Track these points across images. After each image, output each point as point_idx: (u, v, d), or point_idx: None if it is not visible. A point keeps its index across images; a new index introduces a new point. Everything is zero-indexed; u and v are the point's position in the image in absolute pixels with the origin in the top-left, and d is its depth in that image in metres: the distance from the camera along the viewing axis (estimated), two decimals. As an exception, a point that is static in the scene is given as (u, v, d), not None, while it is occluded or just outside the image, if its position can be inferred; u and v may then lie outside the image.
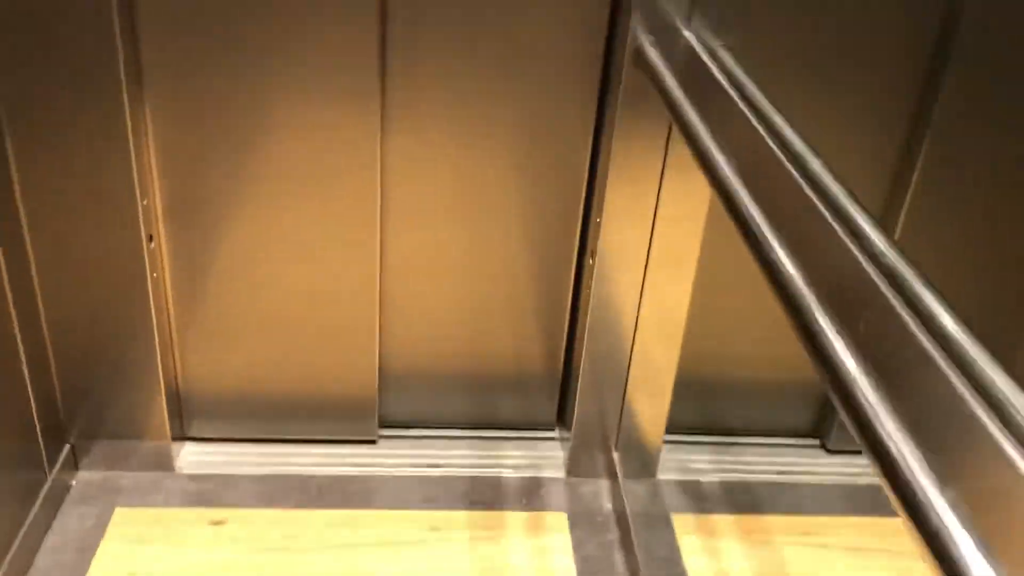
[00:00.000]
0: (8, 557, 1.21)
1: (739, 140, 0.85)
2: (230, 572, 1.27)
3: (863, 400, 0.57)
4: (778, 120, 0.83)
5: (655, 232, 1.26)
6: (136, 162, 1.20)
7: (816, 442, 1.58)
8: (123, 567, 1.27)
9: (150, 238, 1.28)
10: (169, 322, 1.38)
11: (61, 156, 1.18)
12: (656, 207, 1.24)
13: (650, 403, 1.42)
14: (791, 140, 0.79)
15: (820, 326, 0.67)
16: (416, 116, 1.26)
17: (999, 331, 1.44)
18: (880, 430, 0.54)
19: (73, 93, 1.14)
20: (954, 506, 0.48)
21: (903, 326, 0.56)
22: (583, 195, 1.33)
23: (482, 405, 1.55)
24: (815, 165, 0.75)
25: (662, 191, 1.23)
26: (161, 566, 1.27)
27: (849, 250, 0.65)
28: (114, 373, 1.36)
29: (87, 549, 1.29)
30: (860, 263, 0.63)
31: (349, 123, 1.24)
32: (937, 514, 0.48)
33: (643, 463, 1.48)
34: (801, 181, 0.73)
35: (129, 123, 1.17)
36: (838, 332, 0.66)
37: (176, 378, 1.44)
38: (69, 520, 1.34)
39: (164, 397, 1.38)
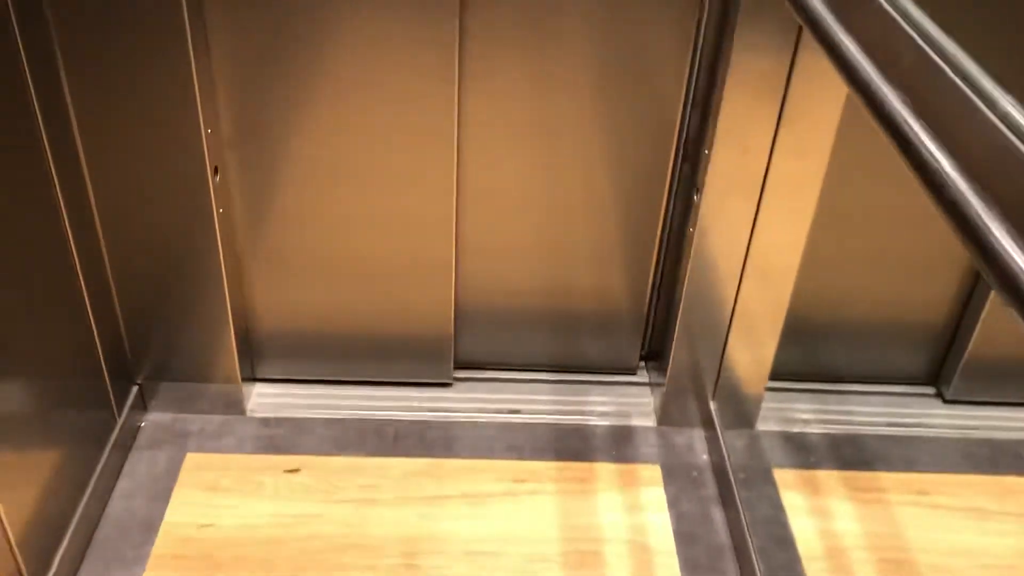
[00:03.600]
0: (84, 500, 1.16)
1: (881, 37, 0.70)
2: (307, 525, 1.21)
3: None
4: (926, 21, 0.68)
5: (772, 163, 1.12)
6: (199, 89, 1.09)
7: (932, 390, 1.46)
8: (196, 516, 1.21)
9: (215, 170, 1.18)
10: (237, 259, 1.29)
11: (118, 85, 1.08)
12: (776, 134, 1.10)
13: (754, 350, 1.30)
14: (941, 41, 0.65)
15: (985, 226, 0.53)
16: (494, 35, 1.13)
17: None
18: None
19: (129, 15, 1.03)
20: None
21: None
22: (677, 123, 1.20)
23: (562, 347, 1.45)
24: (964, 60, 0.61)
25: (784, 115, 1.09)
26: (235, 517, 1.21)
27: (1011, 143, 0.52)
28: (181, 313, 1.28)
29: (159, 496, 1.23)
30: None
31: (424, 46, 1.11)
32: None
33: (742, 413, 1.38)
34: (955, 79, 0.59)
35: (191, 46, 1.06)
36: (1007, 232, 0.52)
37: (246, 318, 1.36)
38: (140, 464, 1.28)
39: (234, 337, 1.30)
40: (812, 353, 1.43)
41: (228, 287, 1.26)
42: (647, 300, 1.39)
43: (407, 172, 1.22)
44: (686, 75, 1.16)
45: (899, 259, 1.34)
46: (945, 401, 1.44)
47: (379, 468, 1.29)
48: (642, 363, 1.50)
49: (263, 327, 1.37)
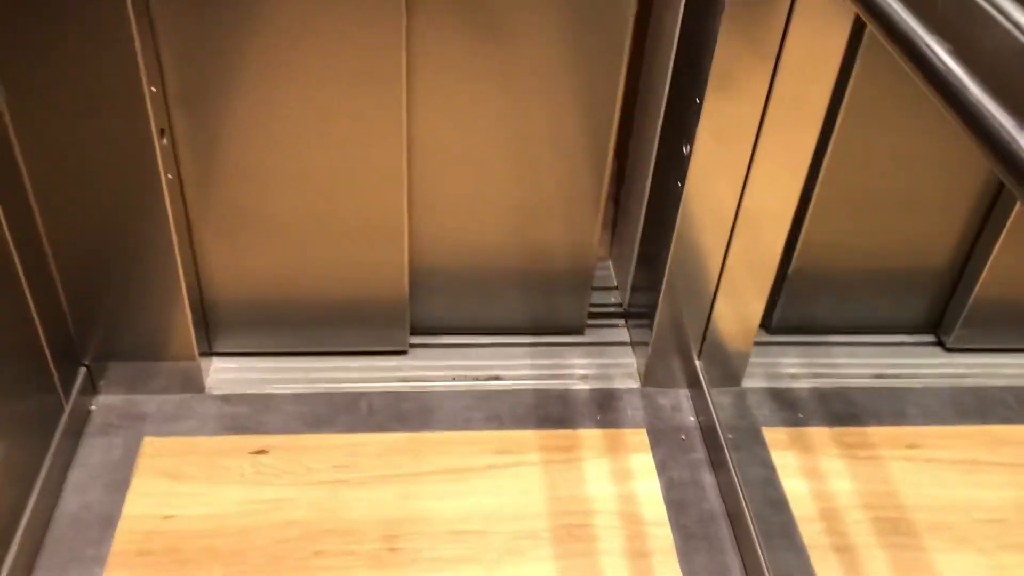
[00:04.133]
0: (33, 496, 1.06)
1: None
2: (279, 511, 1.13)
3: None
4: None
5: (768, 112, 1.05)
6: (139, 42, 0.98)
7: (932, 338, 1.42)
8: (158, 507, 1.13)
9: (162, 132, 1.07)
10: (188, 227, 1.19)
11: (47, 37, 0.96)
12: (772, 80, 1.03)
13: (742, 306, 1.25)
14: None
15: (1004, 130, 0.48)
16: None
17: None
18: None
19: (54, -45, 0.91)
20: None
21: None
22: (623, 65, 1.12)
23: (522, 308, 1.37)
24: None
25: (781, 59, 1.01)
26: (201, 506, 1.13)
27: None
28: (129, 287, 1.17)
29: (116, 487, 1.14)
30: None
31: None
32: None
33: (729, 371, 1.33)
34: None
35: (127, -7, 0.94)
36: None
37: (199, 289, 1.26)
38: (93, 453, 1.19)
39: (188, 310, 1.21)
40: (798, 303, 1.39)
41: (180, 257, 1.16)
42: (593, 257, 1.32)
43: (356, 122, 1.11)
44: (678, 23, 1.08)
45: (900, 202, 1.28)
46: (946, 349, 1.41)
47: (353, 445, 1.22)
48: (622, 321, 1.44)
49: (217, 298, 1.27)
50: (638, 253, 1.38)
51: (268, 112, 1.10)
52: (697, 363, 1.30)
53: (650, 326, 1.30)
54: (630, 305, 1.44)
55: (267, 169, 1.15)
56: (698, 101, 1.06)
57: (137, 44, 0.98)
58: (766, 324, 1.41)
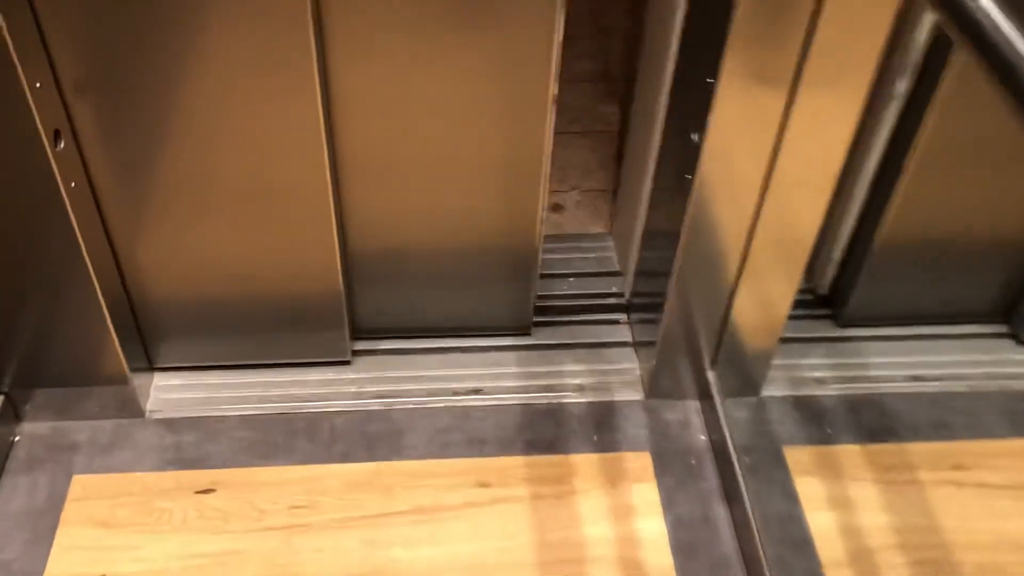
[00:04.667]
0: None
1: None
2: (226, 567, 0.98)
3: None
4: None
5: (797, 95, 0.85)
6: (7, 26, 0.78)
7: (1004, 328, 1.23)
8: (87, 564, 0.98)
9: (57, 135, 0.88)
10: (108, 235, 1.01)
11: None
12: (803, 56, 0.82)
13: (767, 307, 1.06)
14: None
15: None
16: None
17: None
18: None
19: None
20: None
21: None
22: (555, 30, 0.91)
23: (463, 304, 1.19)
24: None
25: (817, 32, 0.80)
26: (136, 561, 0.98)
27: None
28: (43, 308, 1.00)
29: (39, 539, 1.00)
30: None
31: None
32: None
33: (747, 377, 1.15)
34: None
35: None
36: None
37: (130, 301, 1.08)
38: (14, 496, 1.04)
39: (111, 327, 1.03)
40: (887, 289, 1.19)
41: (94, 270, 0.98)
42: (536, 245, 1.13)
43: (273, 127, 0.93)
44: None
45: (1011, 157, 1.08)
46: (1020, 342, 1.22)
47: (311, 480, 1.06)
48: (624, 315, 1.26)
49: (150, 308, 1.10)
50: (643, 230, 1.18)
51: (179, 104, 0.91)
52: (709, 371, 1.13)
53: (656, 322, 1.12)
54: (634, 295, 1.26)
55: (187, 173, 0.96)
56: (710, 81, 0.85)
57: (4, 31, 0.78)
58: (836, 315, 1.23)
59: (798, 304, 1.11)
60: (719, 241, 1.00)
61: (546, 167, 1.04)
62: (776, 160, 0.91)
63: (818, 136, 0.89)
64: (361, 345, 1.20)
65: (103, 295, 1.00)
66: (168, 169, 0.96)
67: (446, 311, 1.19)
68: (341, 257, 1.07)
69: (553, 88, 0.96)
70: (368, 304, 1.17)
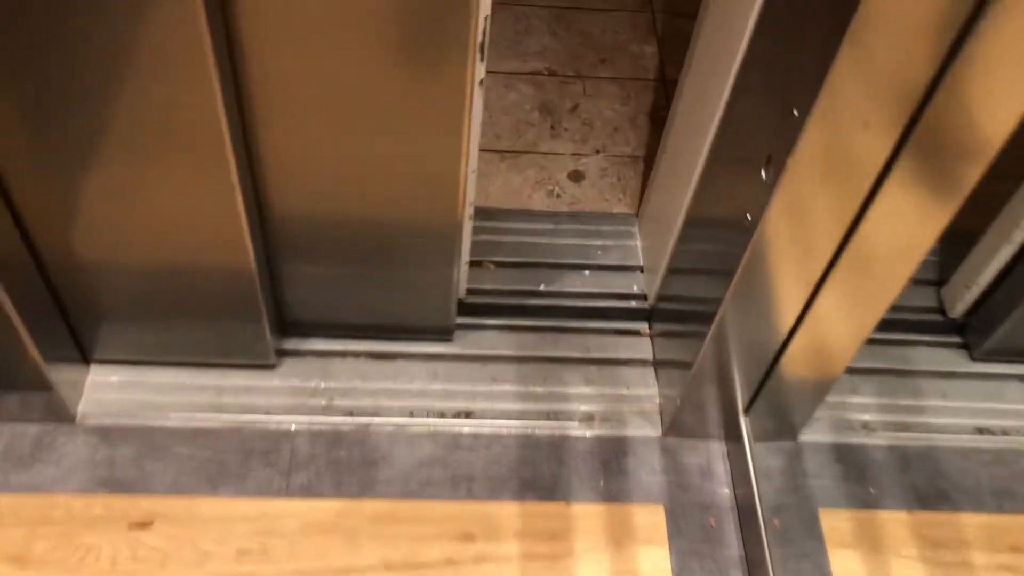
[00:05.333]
0: None
1: None
2: (158, 626, 0.84)
3: None
4: None
5: (923, 117, 0.64)
6: None
7: None
8: (-4, 610, 0.84)
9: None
10: (10, 203, 0.81)
11: None
12: (944, 66, 0.61)
13: (835, 342, 0.87)
14: None
15: None
16: None
17: None
18: None
19: None
20: None
21: None
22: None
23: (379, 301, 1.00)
24: None
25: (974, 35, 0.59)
26: (53, 613, 0.84)
27: None
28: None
29: (-59, 574, 0.85)
30: None
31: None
32: None
33: (786, 418, 0.99)
34: None
35: None
36: None
37: (48, 285, 0.89)
38: (-84, 513, 0.88)
39: (15, 315, 0.83)
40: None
41: None
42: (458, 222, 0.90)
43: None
44: None
45: None
46: None
47: (265, 518, 0.91)
48: (644, 324, 1.08)
49: (76, 289, 0.91)
50: (687, 215, 0.96)
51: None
52: (742, 416, 0.96)
53: (689, 337, 0.94)
54: (660, 298, 1.07)
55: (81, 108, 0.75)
56: (796, 113, 0.64)
57: None
58: (970, 344, 1.06)
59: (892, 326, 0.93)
60: (798, 247, 0.79)
61: (468, 124, 0.80)
62: (873, 201, 0.71)
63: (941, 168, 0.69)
64: (309, 344, 1.02)
65: (8, 278, 0.81)
66: (61, 117, 0.75)
67: (376, 306, 1.00)
68: (250, 226, 0.85)
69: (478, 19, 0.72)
70: (295, 293, 0.97)
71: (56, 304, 0.91)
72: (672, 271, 1.03)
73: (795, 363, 0.89)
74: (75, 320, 0.94)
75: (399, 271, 0.95)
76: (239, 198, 0.81)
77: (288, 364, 1.01)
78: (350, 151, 0.81)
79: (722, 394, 0.97)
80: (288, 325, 1.02)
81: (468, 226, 0.95)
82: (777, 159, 0.69)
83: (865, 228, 0.72)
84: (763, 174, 0.71)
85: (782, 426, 0.99)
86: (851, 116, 0.64)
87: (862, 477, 0.98)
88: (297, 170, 0.83)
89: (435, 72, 0.74)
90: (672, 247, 1.01)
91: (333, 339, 1.03)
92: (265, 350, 0.98)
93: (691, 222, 0.95)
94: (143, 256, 0.87)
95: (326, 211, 0.88)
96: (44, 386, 0.91)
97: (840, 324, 0.84)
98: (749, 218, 0.75)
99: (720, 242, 0.84)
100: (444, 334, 1.04)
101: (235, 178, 0.79)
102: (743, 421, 0.96)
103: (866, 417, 1.02)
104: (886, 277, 0.78)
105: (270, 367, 1.00)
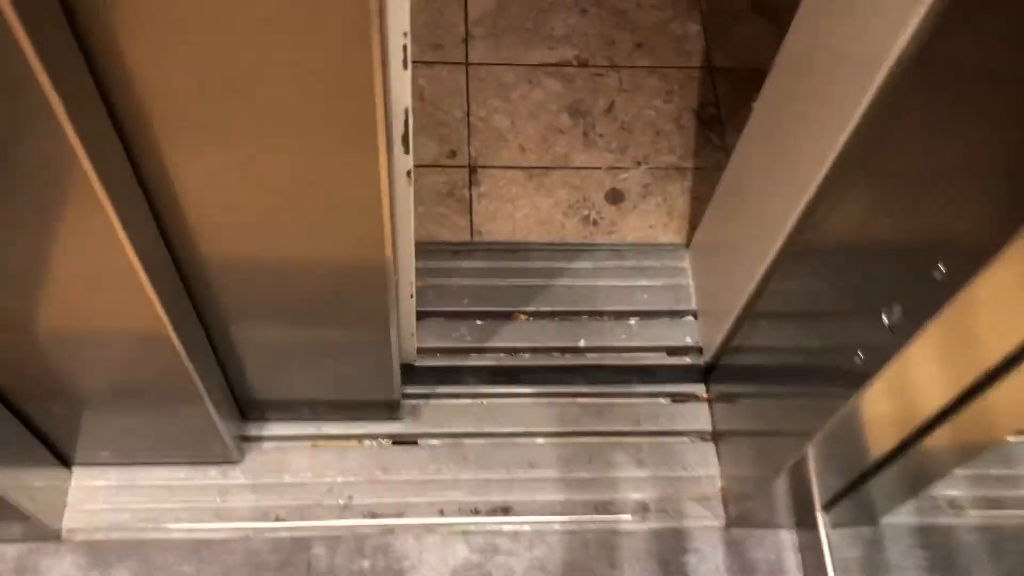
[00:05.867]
0: None
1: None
2: None
3: None
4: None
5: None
6: None
7: None
8: None
9: None
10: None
11: None
12: None
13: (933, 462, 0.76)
14: None
15: None
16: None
17: None
18: None
19: None
20: None
21: None
22: None
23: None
24: None
25: None
26: None
27: None
28: None
29: None
30: None
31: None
32: None
33: (868, 504, 0.87)
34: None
35: None
36: None
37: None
38: None
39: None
40: None
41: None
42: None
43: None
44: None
45: None
46: None
47: (284, 645, 0.80)
48: (701, 386, 0.95)
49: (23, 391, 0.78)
50: (775, 254, 0.80)
51: None
52: (819, 514, 0.84)
53: (755, 399, 0.82)
54: (723, 350, 0.93)
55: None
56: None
57: None
58: None
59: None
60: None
61: (382, 117, 0.63)
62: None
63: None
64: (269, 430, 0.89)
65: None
66: None
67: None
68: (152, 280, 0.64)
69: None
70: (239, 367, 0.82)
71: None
72: (745, 318, 0.88)
73: (895, 474, 0.76)
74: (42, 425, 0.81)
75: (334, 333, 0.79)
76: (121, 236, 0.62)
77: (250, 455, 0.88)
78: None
79: (794, 471, 0.85)
80: (245, 407, 0.88)
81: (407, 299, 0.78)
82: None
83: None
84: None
85: (862, 510, 0.88)
86: None
87: (950, 565, 0.87)
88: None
89: (348, 167, 0.59)
90: (744, 289, 0.86)
91: (292, 422, 0.90)
92: (219, 441, 0.83)
93: (779, 260, 0.78)
94: (57, 342, 0.71)
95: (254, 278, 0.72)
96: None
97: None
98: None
99: (827, 237, 0.70)
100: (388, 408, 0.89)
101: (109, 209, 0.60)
102: (820, 515, 0.84)
103: (953, 492, 0.90)
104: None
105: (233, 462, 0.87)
